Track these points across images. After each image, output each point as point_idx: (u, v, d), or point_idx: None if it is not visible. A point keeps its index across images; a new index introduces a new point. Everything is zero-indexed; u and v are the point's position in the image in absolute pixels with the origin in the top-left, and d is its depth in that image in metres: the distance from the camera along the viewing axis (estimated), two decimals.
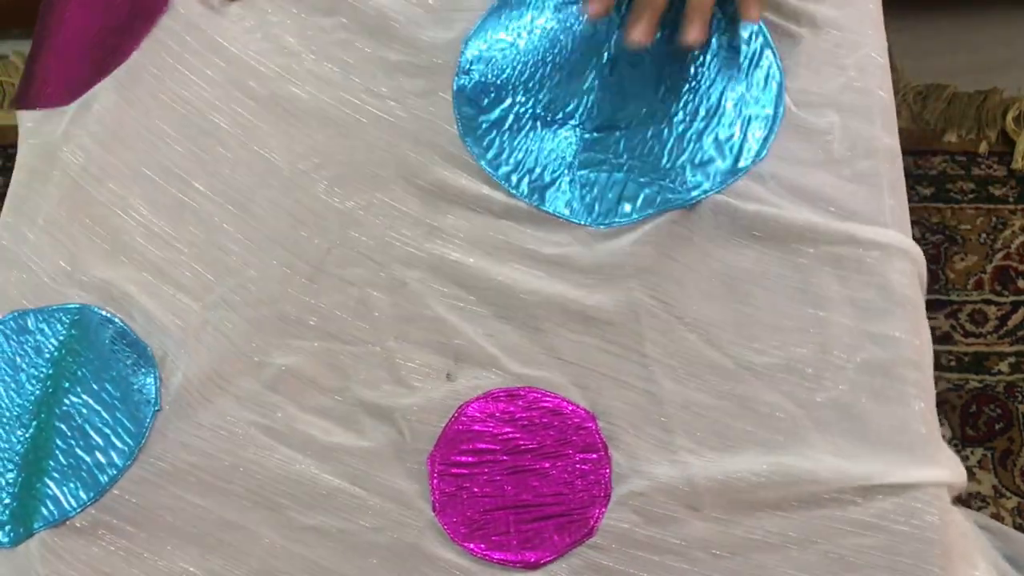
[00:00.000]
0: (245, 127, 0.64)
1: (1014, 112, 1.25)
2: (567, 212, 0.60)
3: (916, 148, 1.25)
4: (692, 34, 0.59)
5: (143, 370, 0.58)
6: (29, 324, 0.60)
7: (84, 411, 0.57)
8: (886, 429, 0.53)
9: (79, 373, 0.58)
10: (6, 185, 0.67)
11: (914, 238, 0.60)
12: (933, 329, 1.13)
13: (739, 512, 0.52)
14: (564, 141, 0.62)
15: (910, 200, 0.61)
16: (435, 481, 0.54)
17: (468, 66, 0.64)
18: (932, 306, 1.16)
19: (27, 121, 0.67)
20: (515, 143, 0.62)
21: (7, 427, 0.57)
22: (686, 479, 0.53)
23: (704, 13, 0.60)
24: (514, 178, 0.61)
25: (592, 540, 0.52)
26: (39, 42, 0.71)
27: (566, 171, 0.61)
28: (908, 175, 0.61)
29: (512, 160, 0.62)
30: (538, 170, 0.61)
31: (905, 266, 0.58)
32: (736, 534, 0.52)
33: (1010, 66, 1.30)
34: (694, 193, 0.59)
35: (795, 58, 0.63)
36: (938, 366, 1.12)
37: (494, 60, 0.64)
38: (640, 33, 0.58)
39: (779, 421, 0.54)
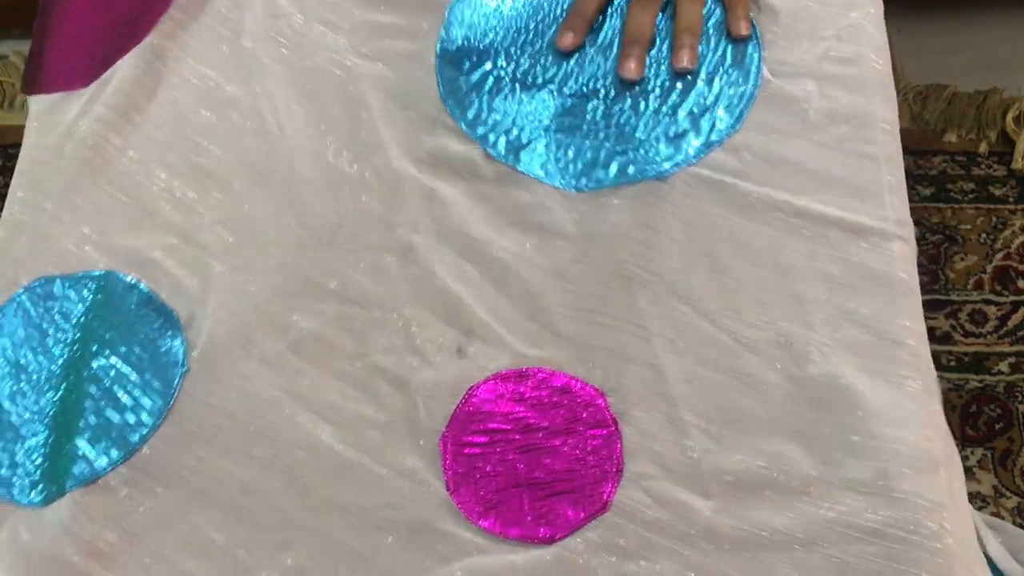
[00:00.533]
0: (259, 96, 0.65)
1: (1014, 112, 1.25)
2: (541, 174, 0.61)
3: (916, 148, 1.25)
4: (683, 61, 0.62)
5: (169, 333, 0.59)
6: (55, 290, 0.60)
7: (112, 373, 0.58)
8: (876, 402, 0.53)
9: (107, 336, 0.59)
10: (6, 185, 0.67)
11: (915, 238, 0.59)
12: (933, 329, 1.13)
13: (747, 507, 0.52)
14: (541, 104, 0.63)
15: (910, 200, 0.61)
16: (448, 461, 0.54)
17: (452, 30, 0.66)
18: (932, 306, 1.16)
19: (38, 104, 0.68)
20: (493, 104, 0.64)
21: (36, 390, 0.58)
22: (694, 465, 0.53)
23: (694, 38, 0.62)
24: (491, 137, 0.62)
25: (606, 515, 0.53)
26: (44, 27, 0.72)
27: (542, 133, 0.62)
28: (908, 175, 0.61)
29: (490, 120, 0.63)
30: (515, 131, 0.63)
31: (878, 241, 0.57)
32: (744, 528, 0.52)
33: (1010, 66, 1.30)
34: (666, 165, 0.60)
35: (774, 29, 0.64)
36: (938, 366, 1.12)
37: (477, 25, 0.66)
38: (634, 71, 0.62)
39: (775, 397, 0.54)
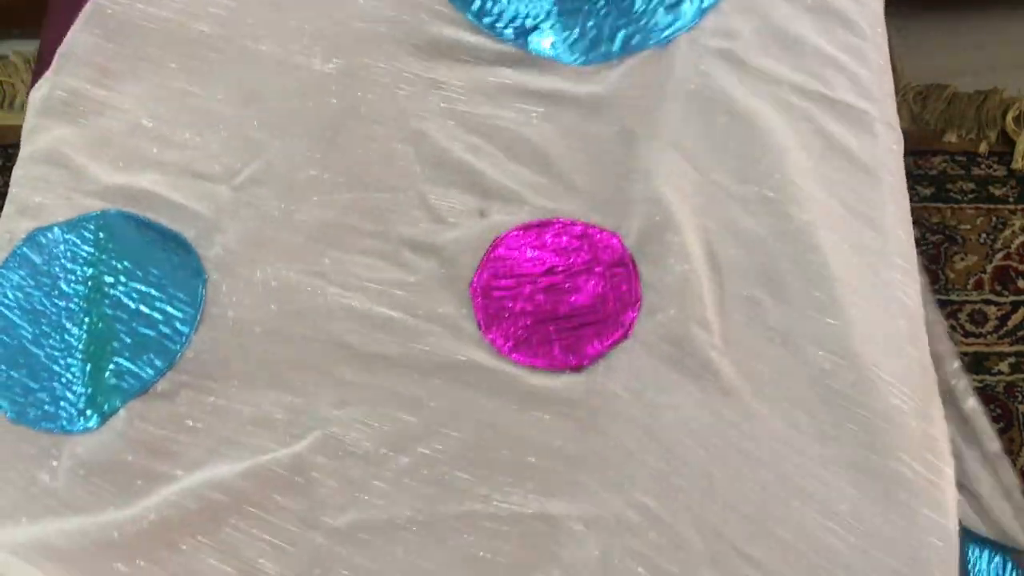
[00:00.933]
0: (228, 26, 0.68)
1: (1014, 112, 1.25)
2: (551, 53, 0.65)
3: (916, 148, 1.25)
4: None
5: (181, 251, 0.61)
6: (55, 236, 0.62)
7: (135, 296, 0.60)
8: (841, 267, 0.57)
9: (119, 266, 0.61)
10: (6, 185, 0.67)
11: (914, 238, 0.60)
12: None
13: (739, 349, 0.56)
14: (539, 2, 0.67)
15: (911, 200, 0.61)
16: (478, 303, 0.58)
17: None
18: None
19: (31, 98, 0.70)
20: None
21: (57, 329, 0.60)
22: (698, 297, 0.56)
23: None
24: (499, 26, 0.66)
25: (627, 342, 0.57)
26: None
27: (546, 18, 0.66)
28: (908, 175, 0.62)
29: (496, 10, 0.67)
30: (520, 18, 0.66)
31: (858, 118, 0.62)
32: (739, 372, 0.55)
33: (1010, 66, 1.30)
34: (667, 32, 0.65)
35: None
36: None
37: None
38: None
39: (756, 247, 0.58)
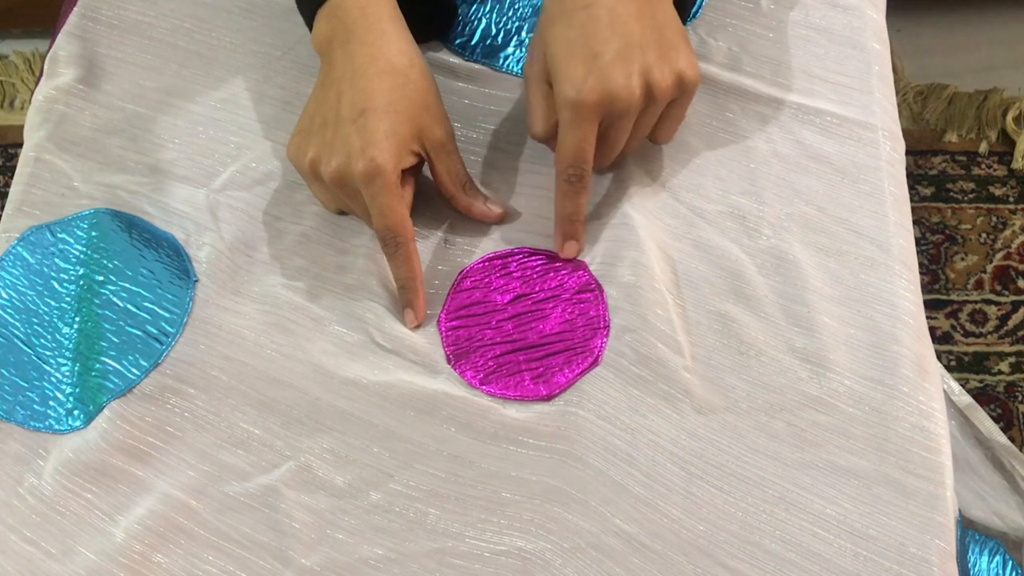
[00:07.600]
0: (206, 31, 0.68)
1: (1014, 112, 1.25)
2: (518, 69, 0.65)
3: (916, 148, 1.25)
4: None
5: (171, 252, 0.61)
6: (50, 235, 0.63)
7: (124, 295, 0.60)
8: (817, 277, 0.57)
9: (110, 265, 0.61)
10: (7, 185, 0.68)
11: (914, 238, 0.60)
12: (933, 329, 1.13)
13: (712, 367, 0.56)
14: (513, 9, 0.67)
15: (911, 200, 0.61)
16: (445, 339, 0.58)
17: None
18: (932, 306, 1.16)
19: (33, 98, 0.71)
20: (468, 14, 0.68)
21: (49, 329, 0.60)
22: (667, 322, 0.56)
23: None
24: (470, 45, 0.67)
25: (598, 369, 0.56)
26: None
27: (516, 33, 0.67)
28: (908, 175, 0.62)
29: (467, 31, 0.67)
30: (490, 37, 0.67)
31: (823, 120, 0.62)
32: (713, 389, 0.55)
33: (1010, 66, 1.31)
34: None
35: None
36: None
37: None
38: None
39: (728, 264, 0.58)
